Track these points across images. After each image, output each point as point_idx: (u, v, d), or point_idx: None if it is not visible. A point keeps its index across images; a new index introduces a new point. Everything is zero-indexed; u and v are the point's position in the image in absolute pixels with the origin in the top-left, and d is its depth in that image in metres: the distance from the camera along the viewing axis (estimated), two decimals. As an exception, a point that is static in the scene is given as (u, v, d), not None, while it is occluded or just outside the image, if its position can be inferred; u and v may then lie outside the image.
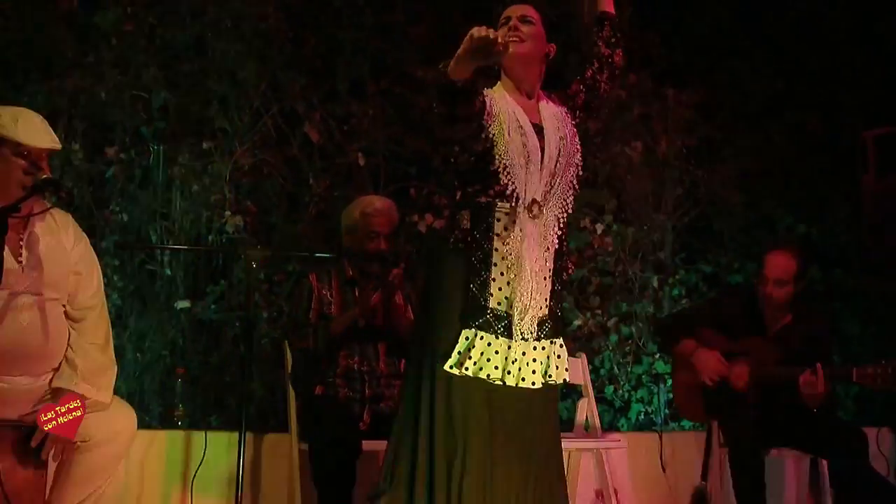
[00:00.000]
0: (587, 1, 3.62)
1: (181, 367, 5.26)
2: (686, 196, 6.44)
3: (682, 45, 6.51)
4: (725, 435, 4.85)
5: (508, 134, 3.35)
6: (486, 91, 3.36)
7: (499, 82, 3.49)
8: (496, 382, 3.32)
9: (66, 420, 3.44)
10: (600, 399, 5.95)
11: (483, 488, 3.29)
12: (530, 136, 3.37)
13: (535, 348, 3.38)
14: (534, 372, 3.37)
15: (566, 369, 3.47)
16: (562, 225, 3.42)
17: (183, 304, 5.55)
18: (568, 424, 5.06)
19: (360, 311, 4.44)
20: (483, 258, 3.34)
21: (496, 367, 3.31)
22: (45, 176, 3.47)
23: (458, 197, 3.44)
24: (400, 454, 3.40)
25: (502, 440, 3.34)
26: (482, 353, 3.30)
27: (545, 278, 3.39)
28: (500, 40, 3.02)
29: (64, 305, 3.61)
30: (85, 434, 3.52)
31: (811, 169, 6.69)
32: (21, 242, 3.52)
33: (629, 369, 6.17)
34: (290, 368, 4.64)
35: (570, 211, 3.45)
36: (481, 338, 3.31)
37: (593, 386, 5.12)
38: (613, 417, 6.17)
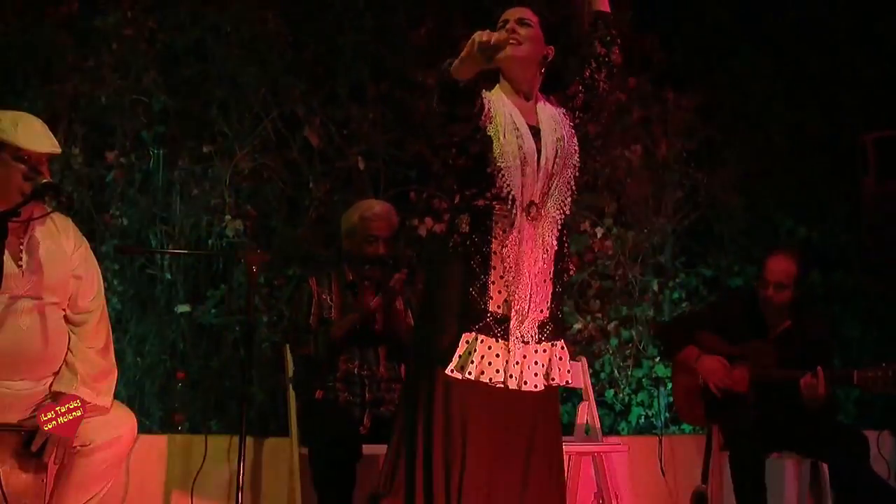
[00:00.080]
0: (584, 2, 3.63)
1: (181, 372, 5.26)
2: (686, 199, 6.43)
3: (682, 48, 6.51)
4: (726, 438, 4.85)
5: (504, 136, 3.35)
6: (484, 93, 3.36)
7: (497, 85, 3.50)
8: (497, 386, 3.32)
9: (66, 420, 3.44)
10: (600, 403, 5.94)
11: (482, 492, 3.29)
12: (526, 139, 3.38)
13: (536, 351, 3.38)
14: (536, 375, 3.37)
15: (567, 371, 3.47)
16: (560, 226, 3.43)
17: (183, 308, 5.55)
18: (568, 428, 5.06)
19: (361, 315, 4.44)
20: (482, 261, 3.34)
21: (497, 371, 3.31)
22: (45, 180, 3.47)
23: (456, 200, 3.45)
24: (399, 458, 3.40)
25: (502, 443, 3.34)
26: (483, 357, 3.30)
27: (545, 281, 3.39)
28: (500, 44, 3.04)
29: (64, 309, 3.61)
30: (85, 438, 3.52)
31: (811, 172, 6.69)
32: (21, 246, 3.52)
33: (629, 373, 6.16)
34: (290, 372, 4.64)
35: (568, 212, 3.45)
36: (482, 341, 3.31)
37: (593, 389, 5.12)
38: (614, 421, 6.17)
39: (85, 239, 3.74)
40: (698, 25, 6.68)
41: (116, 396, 3.72)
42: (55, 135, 3.64)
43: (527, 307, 3.34)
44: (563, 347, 3.47)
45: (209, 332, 5.64)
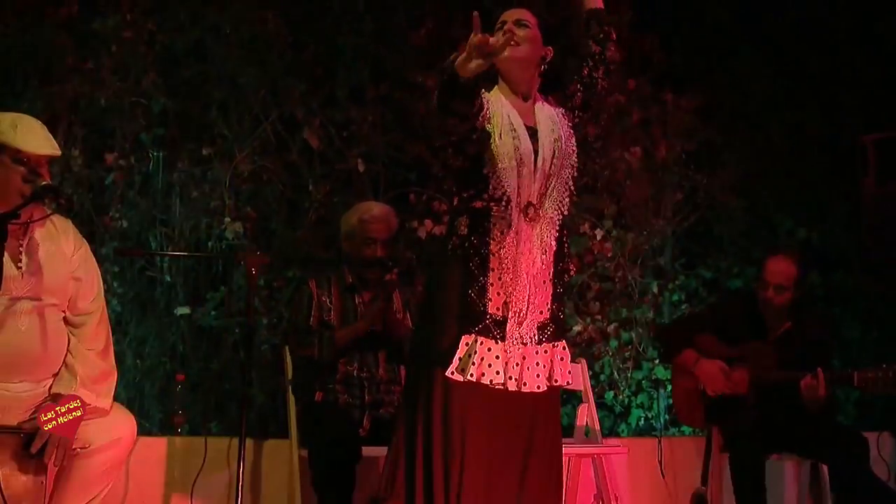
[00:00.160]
0: (579, 2, 3.63)
1: (181, 374, 5.25)
2: (686, 201, 6.43)
3: (681, 49, 6.51)
4: (726, 439, 4.84)
5: (500, 137, 3.36)
6: (483, 94, 3.37)
7: (496, 86, 3.50)
8: (497, 387, 3.32)
9: (66, 420, 3.43)
10: (600, 404, 5.94)
11: (481, 493, 3.29)
12: (523, 139, 3.38)
13: (537, 352, 3.38)
14: (538, 376, 3.37)
15: (568, 372, 3.47)
16: (560, 227, 3.43)
17: (183, 310, 5.55)
18: (568, 430, 5.06)
19: (367, 324, 4.45)
20: (480, 263, 3.35)
21: (497, 372, 3.31)
22: (44, 182, 3.47)
23: (455, 202, 3.45)
24: (399, 461, 3.41)
25: (501, 445, 3.34)
26: (483, 359, 3.30)
27: (544, 282, 3.39)
28: (496, 47, 3.05)
29: (64, 311, 3.61)
30: (85, 440, 3.52)
31: (811, 173, 6.69)
32: (21, 248, 3.52)
33: (629, 375, 6.16)
34: (290, 375, 4.64)
35: (566, 213, 3.45)
36: (481, 343, 3.31)
37: (593, 391, 5.12)
38: (613, 423, 6.17)
39: (85, 241, 3.74)
40: (698, 26, 6.68)
41: (116, 398, 3.72)
42: (55, 137, 3.64)
43: (525, 308, 3.34)
44: (564, 348, 3.47)
45: (209, 334, 5.65)
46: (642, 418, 6.16)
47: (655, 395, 6.11)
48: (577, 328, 6.02)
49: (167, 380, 5.46)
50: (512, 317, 3.33)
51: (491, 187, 3.35)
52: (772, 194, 6.67)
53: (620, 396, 6.17)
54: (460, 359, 3.29)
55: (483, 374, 3.30)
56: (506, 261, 3.34)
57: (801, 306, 4.90)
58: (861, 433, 4.77)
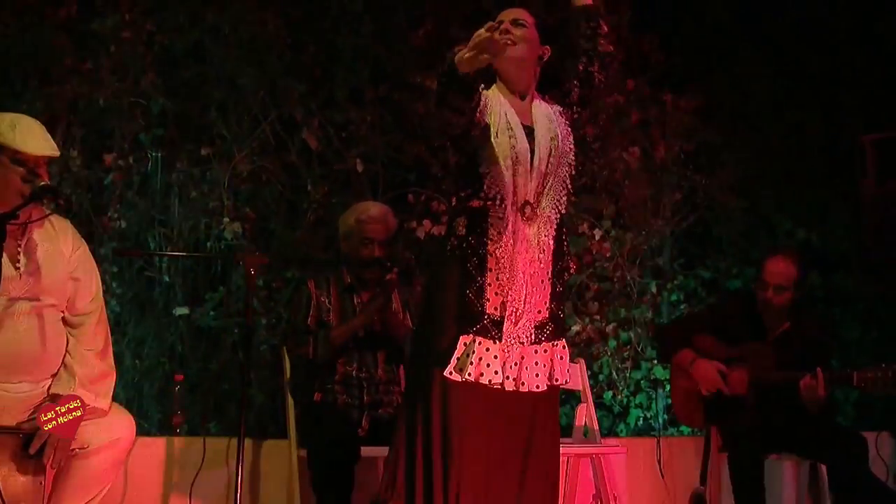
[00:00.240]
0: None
1: (180, 374, 5.25)
2: (684, 201, 6.43)
3: (681, 50, 6.51)
4: (725, 439, 4.84)
5: (496, 136, 3.37)
6: (482, 90, 3.37)
7: (494, 85, 3.51)
8: (496, 387, 3.33)
9: (66, 420, 3.43)
10: (599, 404, 5.94)
11: (480, 493, 3.29)
12: (520, 138, 3.39)
13: (536, 352, 3.38)
14: (537, 375, 3.37)
15: (567, 371, 3.48)
16: (558, 225, 3.43)
17: (181, 310, 5.55)
18: (567, 430, 5.05)
19: (363, 322, 4.44)
20: (478, 263, 3.35)
21: (496, 372, 3.32)
22: (43, 183, 3.47)
23: (453, 202, 3.46)
24: (400, 462, 3.41)
25: (500, 444, 3.35)
26: (481, 359, 3.31)
27: (543, 281, 3.40)
28: (497, 45, 3.07)
29: (62, 312, 3.61)
30: (83, 441, 3.51)
31: (810, 173, 6.69)
32: (19, 249, 3.52)
33: (628, 375, 6.16)
34: (288, 375, 4.64)
35: (563, 211, 3.46)
36: (479, 343, 3.31)
37: (592, 391, 5.11)
38: (612, 423, 6.17)
39: (83, 241, 3.74)
40: (697, 26, 6.68)
41: (115, 399, 3.72)
42: (53, 137, 3.64)
43: (521, 307, 3.35)
44: (563, 347, 3.47)
45: (208, 334, 5.65)
46: (641, 418, 6.16)
47: (654, 395, 6.11)
48: (575, 328, 6.03)
49: (166, 380, 5.46)
50: (508, 316, 3.34)
51: (486, 186, 3.35)
52: (771, 195, 6.67)
53: (619, 396, 6.17)
54: (458, 359, 3.30)
55: (482, 374, 3.30)
56: (502, 260, 3.34)
57: (800, 307, 4.90)
58: (860, 433, 4.77)
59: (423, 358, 3.42)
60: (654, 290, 6.28)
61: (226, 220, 5.60)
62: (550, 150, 3.43)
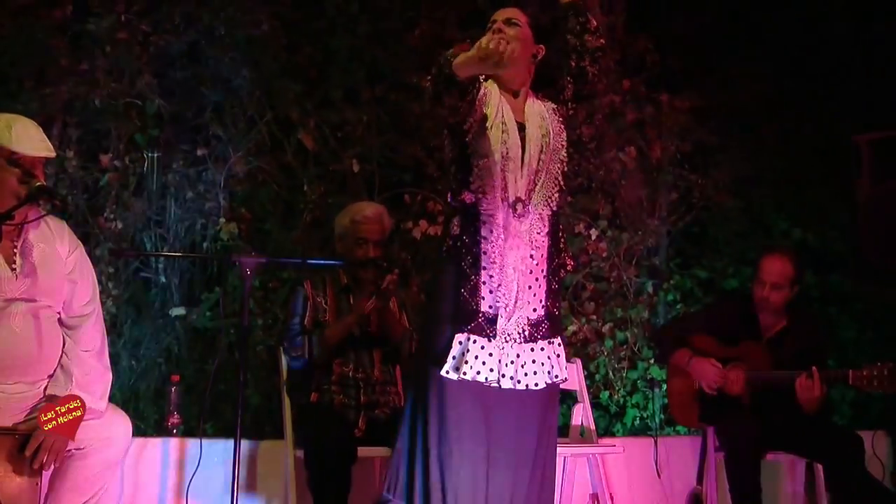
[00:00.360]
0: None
1: (176, 375, 5.24)
2: (680, 201, 6.43)
3: (676, 50, 6.51)
4: (721, 439, 4.84)
5: (490, 129, 3.37)
6: (482, 81, 3.37)
7: (490, 79, 3.51)
8: (492, 385, 3.33)
9: (66, 420, 3.43)
10: (595, 404, 5.94)
11: (478, 492, 3.30)
12: (511, 134, 3.40)
13: (532, 349, 3.38)
14: (535, 373, 3.38)
15: (564, 368, 3.48)
16: (552, 222, 3.44)
17: (178, 311, 5.54)
18: (563, 430, 5.05)
19: (356, 317, 4.44)
20: (472, 262, 3.36)
21: (491, 370, 3.32)
22: (39, 184, 3.47)
23: (448, 200, 3.47)
24: (400, 461, 3.42)
25: (497, 442, 3.35)
26: (476, 357, 3.31)
27: (537, 279, 3.40)
28: (503, 52, 3.07)
29: (58, 313, 3.61)
30: (80, 442, 3.51)
31: (806, 173, 6.69)
32: (15, 250, 3.52)
33: (624, 374, 6.16)
34: (285, 376, 4.63)
35: (555, 207, 3.46)
36: (474, 341, 3.32)
37: (588, 391, 5.12)
38: (609, 423, 6.17)
39: (80, 242, 3.74)
40: (692, 27, 6.68)
41: (111, 400, 3.72)
42: (49, 138, 3.65)
43: (512, 303, 3.35)
44: (559, 344, 3.47)
45: (204, 335, 5.64)
46: (638, 418, 6.16)
47: (651, 395, 6.11)
48: (572, 328, 6.03)
49: (162, 381, 5.45)
50: (501, 314, 3.35)
51: (477, 177, 3.36)
52: (767, 195, 6.67)
53: (616, 396, 6.17)
54: (454, 357, 3.30)
55: (478, 373, 3.30)
56: (493, 255, 3.35)
57: (796, 306, 4.91)
58: (856, 432, 4.78)
59: (422, 358, 3.43)
60: (650, 289, 6.29)
61: (222, 220, 5.60)
62: (542, 147, 3.44)
